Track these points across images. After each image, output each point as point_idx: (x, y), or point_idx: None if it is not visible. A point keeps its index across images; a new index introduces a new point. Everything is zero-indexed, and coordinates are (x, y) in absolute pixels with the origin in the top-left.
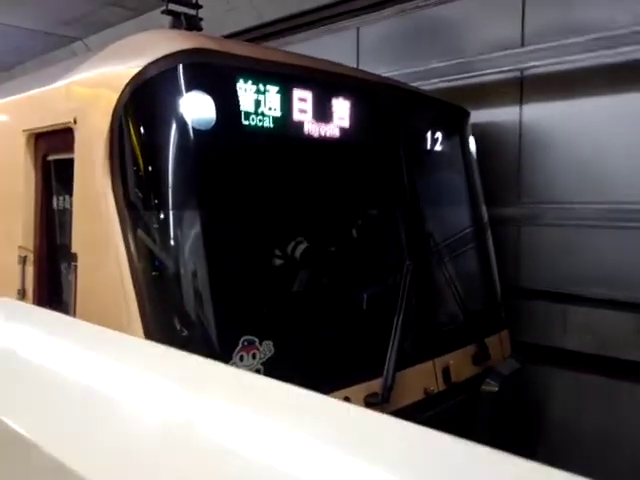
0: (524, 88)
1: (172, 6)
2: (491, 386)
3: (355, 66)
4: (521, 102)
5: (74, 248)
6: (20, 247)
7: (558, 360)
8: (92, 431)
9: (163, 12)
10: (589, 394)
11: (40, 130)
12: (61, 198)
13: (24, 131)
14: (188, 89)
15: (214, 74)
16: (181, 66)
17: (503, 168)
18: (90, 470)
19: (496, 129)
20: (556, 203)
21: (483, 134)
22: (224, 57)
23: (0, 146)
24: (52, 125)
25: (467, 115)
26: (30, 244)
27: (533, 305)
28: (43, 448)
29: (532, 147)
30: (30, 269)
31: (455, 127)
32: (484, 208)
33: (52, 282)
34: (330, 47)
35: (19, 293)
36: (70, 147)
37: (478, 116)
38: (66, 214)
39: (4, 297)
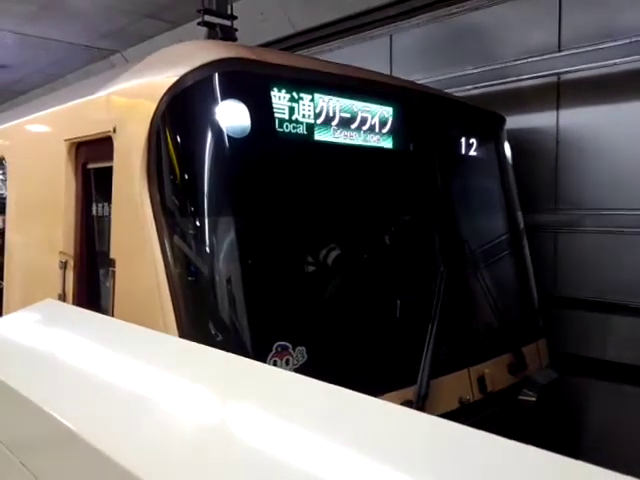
0: (561, 93)
1: (208, 17)
2: (529, 396)
3: (388, 73)
4: (558, 107)
5: (112, 254)
6: (61, 252)
7: (598, 371)
8: (135, 427)
9: (199, 24)
10: (629, 406)
11: (81, 139)
12: (100, 205)
13: (65, 140)
14: (224, 97)
15: (249, 82)
16: (217, 75)
17: (540, 174)
18: (132, 463)
19: (533, 135)
20: (594, 209)
21: (520, 140)
22: (259, 65)
23: (43, 155)
24: (92, 134)
25: (503, 121)
26: (70, 250)
27: (571, 314)
28: (90, 442)
29: (569, 153)
30: (70, 274)
31: (491, 133)
32: (520, 215)
33: (91, 287)
34: (363, 55)
35: (59, 297)
36: (109, 156)
37: (514, 122)
38: (105, 221)
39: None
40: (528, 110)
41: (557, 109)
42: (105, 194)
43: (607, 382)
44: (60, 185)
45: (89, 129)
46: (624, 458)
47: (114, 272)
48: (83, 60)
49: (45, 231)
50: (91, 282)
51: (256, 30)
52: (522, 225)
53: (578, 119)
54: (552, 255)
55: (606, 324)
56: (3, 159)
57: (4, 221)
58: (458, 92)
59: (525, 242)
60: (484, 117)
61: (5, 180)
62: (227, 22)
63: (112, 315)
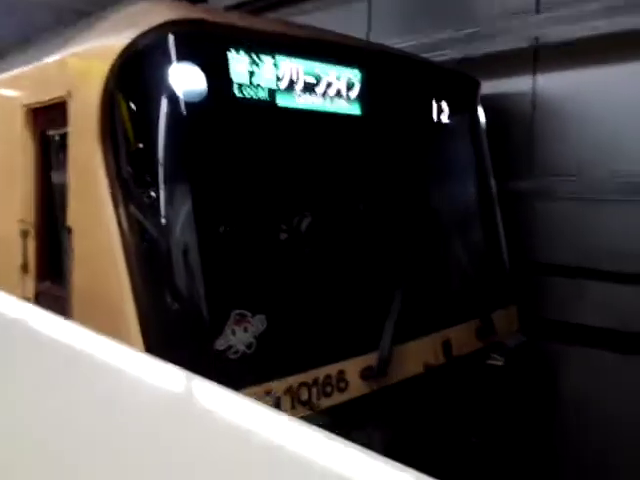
0: (538, 57)
1: None
2: (497, 360)
3: (366, 38)
4: (535, 71)
5: (69, 222)
6: (20, 221)
7: (573, 336)
8: None
9: None
10: (604, 371)
11: (38, 105)
12: (60, 172)
13: (23, 106)
14: (178, 60)
15: (205, 45)
16: (170, 37)
17: (516, 140)
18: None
19: (509, 100)
20: (570, 176)
21: (496, 105)
22: (216, 27)
23: (2, 121)
24: (48, 99)
25: (476, 85)
26: (30, 218)
27: (548, 280)
28: None
29: (546, 118)
30: (31, 243)
31: (463, 97)
32: (492, 181)
33: (52, 256)
34: (340, 19)
35: (21, 267)
36: (66, 121)
37: (491, 87)
38: (64, 189)
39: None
40: (505, 74)
41: (534, 73)
42: (64, 161)
43: (581, 347)
44: (19, 152)
45: (45, 94)
46: (597, 424)
47: (71, 241)
48: (57, 22)
49: (6, 200)
50: (52, 251)
51: None
52: (494, 191)
53: (556, 84)
54: (529, 222)
55: (580, 289)
56: None
57: None
58: (438, 57)
59: (497, 209)
60: (456, 80)
61: None
62: None
63: (70, 285)
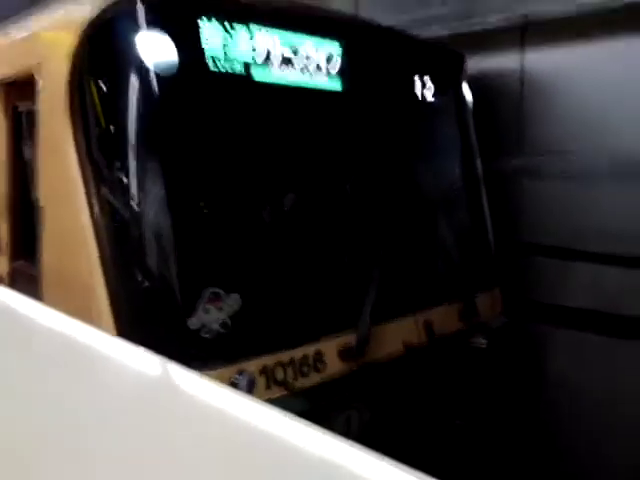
0: (526, 34)
1: None
2: (479, 342)
3: (354, 13)
4: (523, 49)
5: (40, 199)
6: None
7: (560, 318)
8: None
9: None
10: (591, 353)
11: (8, 79)
12: (31, 149)
13: None
14: (147, 30)
15: (177, 15)
16: (140, 6)
17: (504, 118)
18: None
19: (498, 77)
20: (559, 154)
21: (484, 83)
22: None
23: None
24: (18, 73)
25: (462, 59)
26: (3, 196)
27: (535, 261)
28: None
29: (534, 96)
30: (3, 222)
31: (448, 72)
32: (478, 159)
33: (25, 235)
34: None
35: None
36: (36, 97)
37: (479, 64)
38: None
39: None
40: (493, 51)
41: (522, 50)
42: (35, 138)
43: (568, 329)
44: None
45: (15, 68)
46: (584, 407)
47: (42, 219)
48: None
49: None
50: (26, 229)
51: None
52: (480, 170)
53: (545, 61)
54: (516, 201)
55: (569, 270)
56: None
57: None
58: (426, 33)
59: (483, 188)
60: (441, 55)
61: None
62: None
63: (41, 264)
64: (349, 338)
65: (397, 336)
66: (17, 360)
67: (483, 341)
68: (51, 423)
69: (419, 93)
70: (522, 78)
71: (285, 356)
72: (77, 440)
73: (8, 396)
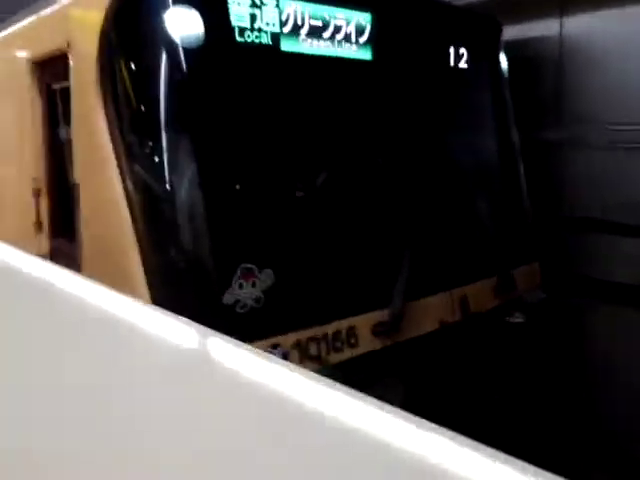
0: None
1: None
2: (517, 318)
3: None
4: (562, 14)
5: (75, 177)
6: (33, 179)
7: (600, 292)
8: None
9: None
10: (631, 329)
11: (42, 58)
12: (67, 127)
13: (28, 60)
14: (175, 5)
15: None
16: None
17: (543, 87)
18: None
19: (535, 45)
20: (600, 123)
21: (522, 51)
22: None
23: (9, 77)
24: (51, 52)
25: (498, 27)
26: (42, 176)
27: (575, 234)
28: None
29: (574, 64)
30: (44, 201)
31: (484, 40)
32: (515, 130)
33: (65, 213)
34: None
35: (35, 226)
36: (68, 74)
37: (516, 32)
38: (71, 144)
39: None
40: (530, 18)
41: (561, 16)
42: (69, 116)
43: (608, 304)
44: (28, 109)
45: (48, 47)
46: (623, 383)
47: (78, 197)
48: None
49: (19, 159)
50: (65, 208)
51: None
52: (517, 142)
53: (584, 27)
54: (556, 173)
55: (609, 244)
56: None
57: None
58: (457, 1)
59: (520, 160)
60: (476, 22)
61: None
62: None
63: (79, 241)
64: (383, 314)
65: (432, 312)
66: (56, 334)
67: (520, 316)
68: (91, 396)
69: (454, 62)
70: (561, 45)
71: (318, 331)
72: (121, 411)
73: (48, 369)
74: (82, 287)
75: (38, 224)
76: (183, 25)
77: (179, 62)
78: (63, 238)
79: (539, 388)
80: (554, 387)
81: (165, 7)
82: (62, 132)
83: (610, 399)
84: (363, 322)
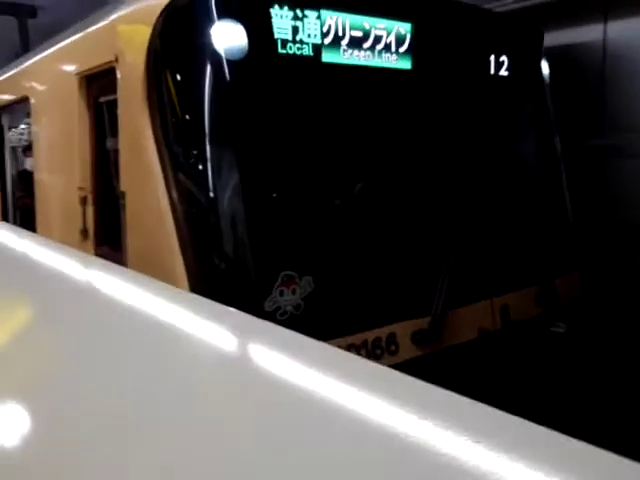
0: (609, 4)
1: None
2: (559, 327)
3: None
4: (605, 20)
5: (122, 187)
6: (79, 188)
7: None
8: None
9: None
10: None
11: (90, 72)
12: (114, 139)
13: (76, 74)
14: (219, 17)
15: (247, 2)
16: None
17: (586, 93)
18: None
19: (578, 51)
20: None
21: (564, 57)
22: None
23: (60, 91)
24: (99, 66)
25: (540, 35)
26: (88, 185)
27: (618, 243)
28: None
29: (618, 70)
30: (90, 209)
31: (525, 47)
32: (557, 139)
33: (110, 221)
34: None
35: (81, 232)
36: (116, 87)
37: (558, 38)
38: (118, 155)
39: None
40: (573, 24)
41: (605, 22)
42: (116, 127)
43: None
44: (75, 120)
45: (96, 61)
46: None
47: (124, 205)
48: None
49: (66, 169)
50: (110, 216)
51: None
52: (559, 150)
53: (628, 32)
54: (600, 181)
55: None
56: (28, 98)
57: (33, 163)
58: (499, 7)
59: (562, 168)
60: (518, 30)
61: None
62: None
63: (126, 249)
64: (423, 322)
65: (472, 321)
66: (103, 338)
67: (562, 326)
68: (140, 394)
69: (496, 70)
70: (605, 51)
71: (358, 338)
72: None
73: (95, 375)
74: (129, 291)
75: (84, 231)
76: (228, 39)
77: (224, 75)
78: (108, 245)
79: (580, 399)
80: (596, 398)
81: (211, 22)
82: (109, 143)
83: None
84: (403, 329)
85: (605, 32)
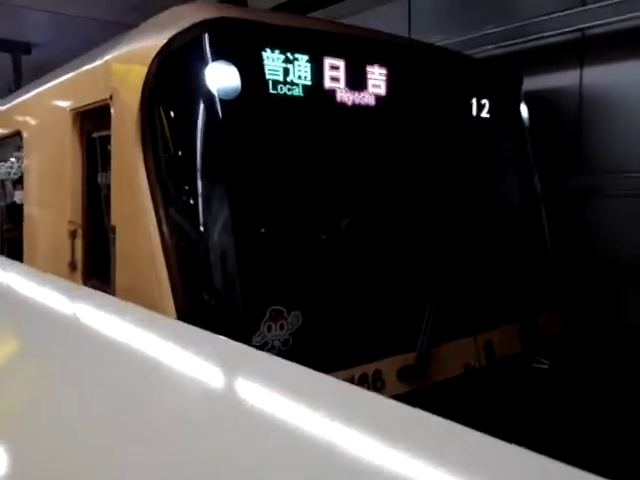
0: (585, 50)
1: None
2: (542, 364)
3: (407, 36)
4: (581, 65)
5: (113, 221)
6: (69, 222)
7: (621, 339)
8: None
9: None
10: None
11: (84, 108)
12: (105, 174)
13: (70, 110)
14: (213, 59)
15: (239, 43)
16: (205, 36)
17: (563, 137)
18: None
19: (555, 95)
20: (621, 173)
21: (542, 101)
22: (249, 26)
23: (53, 126)
24: (93, 103)
25: (519, 80)
26: (78, 219)
27: (596, 280)
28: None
29: (593, 113)
30: (79, 242)
31: (505, 93)
32: (537, 179)
33: (99, 254)
34: (382, 18)
35: (69, 265)
36: (109, 124)
37: (536, 82)
38: (109, 189)
39: (56, 270)
40: (550, 69)
41: (581, 67)
42: (109, 163)
43: (631, 349)
44: (67, 155)
45: (90, 98)
46: None
47: (114, 239)
48: (112, 36)
49: (57, 202)
50: (99, 250)
51: None
52: (539, 190)
53: (603, 77)
54: (577, 220)
55: (631, 290)
56: (20, 133)
57: (22, 196)
58: (480, 53)
59: (542, 207)
60: (498, 76)
61: (21, 157)
62: None
63: (114, 282)
64: (409, 358)
65: (457, 357)
66: (81, 367)
67: (545, 362)
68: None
69: (477, 114)
70: (581, 95)
71: (345, 374)
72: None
73: (71, 402)
74: (110, 321)
75: (72, 264)
76: (221, 79)
77: (216, 114)
78: (96, 278)
79: (561, 434)
80: (578, 433)
81: (205, 63)
82: (100, 177)
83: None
84: (389, 366)
85: (581, 77)
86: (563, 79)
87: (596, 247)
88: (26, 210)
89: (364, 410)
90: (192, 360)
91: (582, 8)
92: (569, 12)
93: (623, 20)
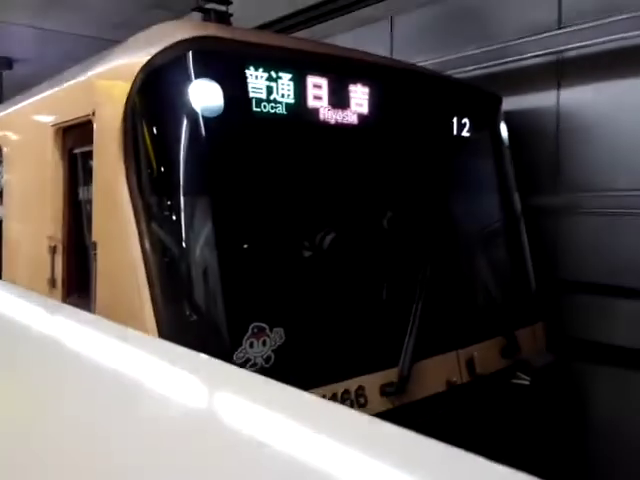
0: (562, 72)
1: (202, 3)
2: (522, 379)
3: (389, 56)
4: (559, 87)
5: (94, 237)
6: (49, 237)
7: (599, 355)
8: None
9: (193, 9)
10: (635, 392)
11: (66, 124)
12: (86, 190)
13: (52, 126)
14: (196, 76)
15: (222, 61)
16: (189, 54)
17: (540, 156)
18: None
19: (533, 116)
20: (597, 191)
21: (520, 121)
22: (233, 44)
23: (34, 142)
24: (75, 119)
25: (498, 101)
26: (59, 234)
27: (575, 298)
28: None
29: (571, 133)
30: (59, 258)
31: (484, 113)
32: (516, 197)
33: (79, 271)
34: (364, 38)
35: (49, 282)
36: (91, 140)
37: (515, 103)
38: (90, 205)
39: (35, 286)
40: (528, 90)
41: (558, 88)
42: (90, 178)
43: (609, 366)
44: (49, 170)
45: (72, 114)
46: (626, 447)
47: (95, 255)
48: (94, 52)
49: (37, 217)
50: (79, 266)
51: (255, 12)
52: (519, 208)
53: (580, 98)
54: (554, 238)
55: (607, 307)
56: (0, 148)
57: (1, 211)
58: (460, 74)
59: (522, 225)
60: (477, 97)
61: (1, 172)
62: (222, 7)
63: (95, 299)
64: (391, 374)
65: (439, 373)
66: (62, 387)
67: (526, 378)
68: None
69: (457, 134)
70: (558, 115)
71: (327, 390)
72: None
73: (50, 421)
74: (91, 340)
75: (52, 281)
76: (204, 96)
77: (199, 130)
78: (76, 295)
79: (542, 451)
80: (558, 450)
81: (188, 80)
82: (81, 193)
83: (614, 463)
84: (371, 382)
85: (558, 98)
86: (541, 99)
87: (570, 263)
88: (5, 225)
89: (346, 428)
90: (171, 379)
91: (559, 31)
92: (547, 35)
93: (599, 43)
